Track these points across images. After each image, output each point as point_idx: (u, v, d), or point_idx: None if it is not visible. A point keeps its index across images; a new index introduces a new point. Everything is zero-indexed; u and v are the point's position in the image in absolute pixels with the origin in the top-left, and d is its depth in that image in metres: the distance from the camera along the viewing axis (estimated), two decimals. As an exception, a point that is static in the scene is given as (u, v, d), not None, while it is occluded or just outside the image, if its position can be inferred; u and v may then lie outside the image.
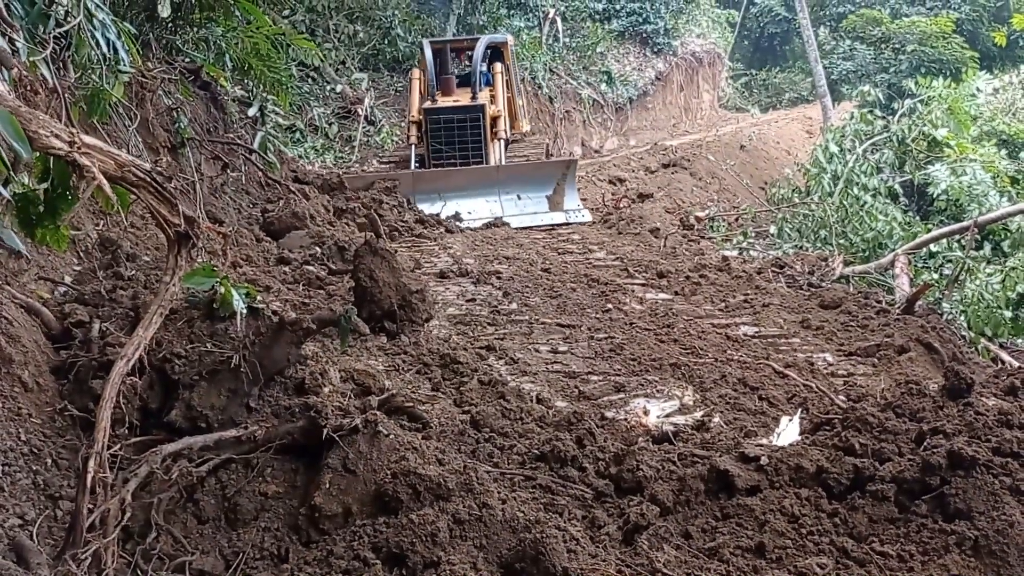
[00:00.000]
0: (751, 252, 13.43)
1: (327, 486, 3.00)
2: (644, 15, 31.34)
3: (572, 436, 3.56)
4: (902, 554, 2.72)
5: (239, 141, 10.40)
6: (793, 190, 17.62)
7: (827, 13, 30.74)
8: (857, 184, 15.29)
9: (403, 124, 17.46)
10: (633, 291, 8.74)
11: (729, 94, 40.39)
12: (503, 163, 13.66)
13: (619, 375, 5.41)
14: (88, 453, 2.70)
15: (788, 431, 3.74)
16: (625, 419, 4.21)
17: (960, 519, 2.77)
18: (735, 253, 13.07)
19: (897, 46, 24.37)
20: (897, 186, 16.41)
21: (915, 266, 12.04)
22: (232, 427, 3.25)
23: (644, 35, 31.54)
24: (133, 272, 4.50)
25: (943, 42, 23.68)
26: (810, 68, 27.44)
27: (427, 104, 13.75)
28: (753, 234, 15.31)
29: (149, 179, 2.77)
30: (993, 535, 2.64)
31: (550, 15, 27.87)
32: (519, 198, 12.76)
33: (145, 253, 5.26)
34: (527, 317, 7.24)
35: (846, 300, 8.35)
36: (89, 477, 2.65)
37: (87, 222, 5.54)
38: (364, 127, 18.72)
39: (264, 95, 11.92)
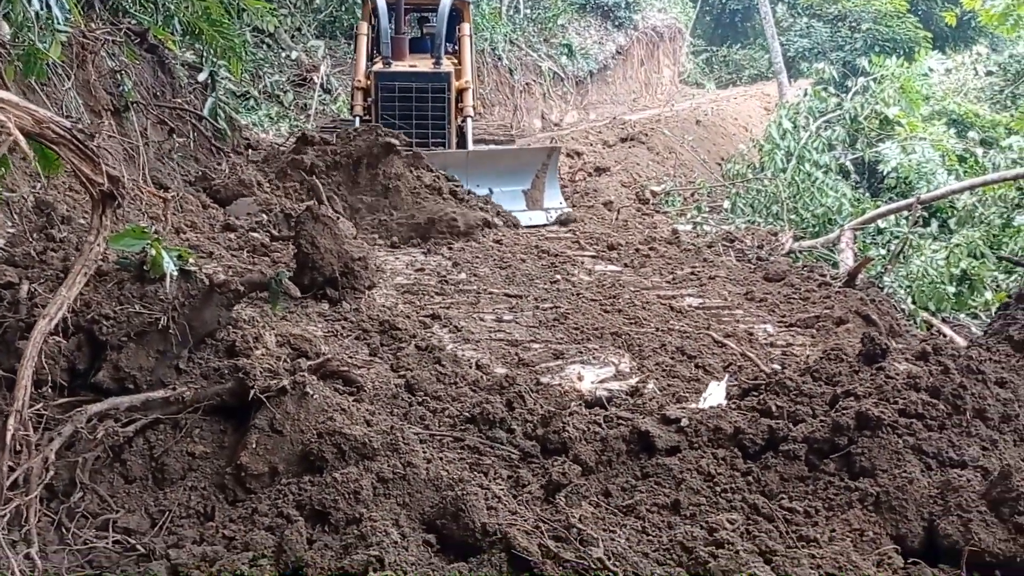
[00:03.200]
0: (704, 227, 13.55)
1: (254, 446, 3.03)
2: (605, -13, 31.22)
3: (502, 399, 3.62)
4: (808, 510, 2.82)
5: (187, 107, 10.23)
6: (748, 166, 17.82)
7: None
8: (809, 160, 15.49)
9: (361, 93, 16.59)
10: (583, 263, 8.83)
11: (689, 70, 40.46)
12: (471, 147, 11.45)
13: (560, 343, 5.48)
14: (8, 411, 2.69)
15: (714, 395, 3.83)
16: (559, 384, 4.27)
17: (864, 476, 2.87)
18: (689, 227, 13.19)
19: (853, 24, 24.61)
20: (848, 163, 16.65)
21: (863, 242, 12.29)
22: (161, 388, 3.25)
23: (605, 8, 31.44)
24: (66, 234, 4.45)
25: (897, 21, 23.95)
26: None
27: (378, 67, 11.28)
28: (707, 209, 15.44)
29: (69, 136, 2.74)
30: (893, 491, 2.75)
31: (512, -15, 27.58)
32: (491, 192, 10.49)
33: (82, 217, 5.19)
34: (475, 287, 7.28)
35: (789, 273, 8.51)
36: (9, 435, 2.65)
37: (23, 184, 5.46)
38: (320, 95, 18.47)
39: (215, 61, 11.68)
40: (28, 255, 4.12)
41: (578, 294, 7.33)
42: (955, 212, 14.15)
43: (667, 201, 15.99)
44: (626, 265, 8.99)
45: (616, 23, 31.61)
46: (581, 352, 5.15)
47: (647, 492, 2.95)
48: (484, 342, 5.49)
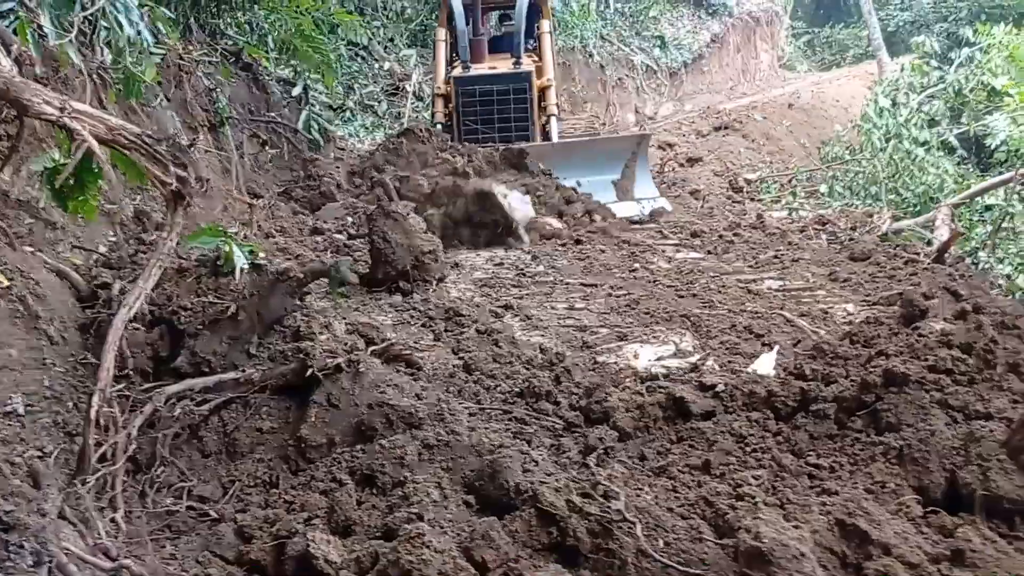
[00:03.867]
0: (800, 212, 13.31)
1: (312, 419, 3.29)
2: (698, -24, 30.84)
3: (551, 374, 3.79)
4: (833, 465, 2.88)
5: (280, 120, 10.77)
6: (846, 148, 17.37)
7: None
8: (908, 138, 14.98)
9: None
10: (664, 251, 8.85)
11: (789, 53, 39.49)
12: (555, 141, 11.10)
13: (627, 327, 5.58)
14: (92, 390, 3.02)
15: (763, 363, 3.89)
16: (615, 362, 4.40)
17: (890, 431, 2.91)
18: (784, 214, 13.00)
19: (957, -8, 23.68)
20: (952, 139, 16.03)
21: (970, 220, 11.84)
22: (232, 371, 3.55)
23: (698, -3, 31.10)
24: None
25: (1006, -14, 22.89)
26: (869, 22, 26.79)
27: (456, 72, 11.12)
28: (803, 194, 15.15)
29: (140, 141, 3.06)
30: (916, 444, 2.78)
31: (602, -20, 27.49)
32: (579, 184, 10.02)
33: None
34: (551, 278, 7.42)
35: (875, 252, 8.34)
36: (93, 411, 2.98)
37: (124, 197, 5.93)
38: (412, 103, 18.94)
39: (308, 75, 12.16)
40: (121, 258, 4.53)
41: (654, 281, 7.37)
42: (1067, 184, 13.48)
43: (763, 188, 15.76)
44: (709, 252, 8.95)
45: (710, 11, 31.22)
46: (645, 334, 5.25)
47: (680, 454, 3.07)
48: (552, 328, 5.64)
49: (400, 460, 2.99)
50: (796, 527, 2.34)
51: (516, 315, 5.91)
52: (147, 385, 3.60)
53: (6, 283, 3.72)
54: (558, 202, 9.38)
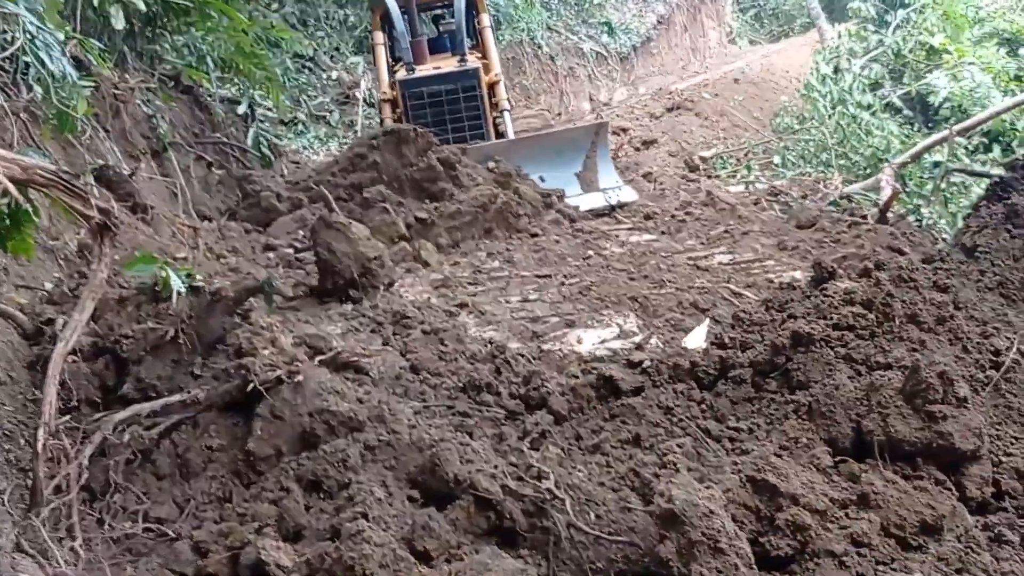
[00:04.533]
0: (756, 185, 13.52)
1: (258, 433, 3.38)
2: (637, -41, 30.94)
3: (491, 367, 3.91)
4: (751, 427, 3.02)
5: (226, 140, 10.80)
6: (796, 117, 17.60)
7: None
8: (852, 103, 15.24)
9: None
10: (617, 236, 9.00)
11: (736, 28, 39.75)
12: (511, 136, 10.92)
13: (576, 314, 5.72)
14: (38, 424, 3.10)
15: (694, 337, 4.03)
16: (559, 349, 4.53)
17: (801, 389, 3.06)
18: (741, 188, 13.20)
19: (890, -44, 23.94)
20: (896, 99, 16.32)
21: (920, 178, 12.08)
22: (178, 393, 3.64)
23: (640, -21, 31.21)
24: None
25: (935, -55, 23.17)
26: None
27: (401, 75, 10.92)
28: (758, 167, 15.36)
29: (57, 178, 3.14)
30: (823, 398, 2.92)
31: (542, -31, 27.49)
32: (542, 180, 9.86)
33: (116, 254, 5.66)
34: (507, 273, 7.54)
35: (820, 218, 8.56)
36: (40, 444, 3.06)
37: (67, 232, 5.98)
38: (364, 110, 18.96)
39: (252, 92, 12.15)
40: (64, 293, 4.59)
41: (607, 266, 7.51)
42: (1017, 134, 13.80)
43: (718, 165, 15.96)
44: (663, 232, 9.12)
45: (653, -8, 31.41)
46: (592, 319, 5.38)
47: (612, 431, 3.21)
48: (505, 322, 5.76)
49: (343, 463, 3.10)
50: (708, 487, 2.48)
51: (471, 312, 6.03)
52: (96, 415, 3.67)
53: (-52, 327, 3.79)
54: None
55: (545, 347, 4.60)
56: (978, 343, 3.17)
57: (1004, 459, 2.82)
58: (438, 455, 3.00)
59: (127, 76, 9.39)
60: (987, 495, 2.75)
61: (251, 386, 3.45)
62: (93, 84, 6.92)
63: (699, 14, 34.74)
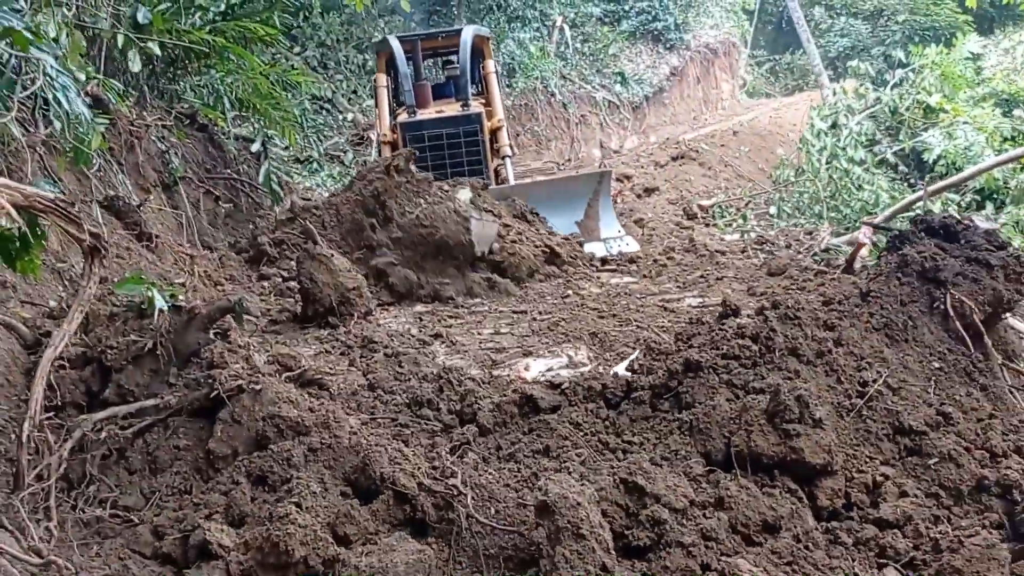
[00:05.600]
0: (751, 234, 13.93)
1: (219, 434, 3.83)
2: (653, 13, 31.60)
3: (435, 386, 4.33)
4: (643, 440, 3.42)
5: (236, 176, 11.37)
6: (796, 170, 18.07)
7: (822, -8, 31.05)
8: (844, 157, 15.71)
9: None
10: (598, 277, 9.42)
11: (749, 82, 40.38)
12: (512, 183, 10.80)
13: (536, 346, 6.13)
14: (23, 418, 3.56)
15: (623, 365, 4.44)
16: (507, 375, 4.95)
17: (686, 409, 3.46)
18: (736, 237, 13.62)
19: (890, 17, 24.59)
20: (890, 155, 16.78)
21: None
22: (153, 398, 4.09)
23: (655, 32, 31.84)
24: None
25: (935, 8, 23.80)
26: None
27: (403, 118, 10.91)
28: (753, 216, 15.79)
29: (54, 206, 3.62)
30: (702, 417, 3.33)
31: (558, 23, 28.21)
32: None
33: (115, 276, 6.16)
34: (486, 307, 7.97)
35: (790, 267, 8.95)
36: (24, 435, 3.51)
37: (74, 256, 6.48)
38: (377, 151, 19.54)
39: (265, 131, 12.70)
40: (64, 310, 5.07)
41: (582, 305, 7.91)
42: (1009, 192, 14.19)
43: (719, 214, 16.39)
44: (644, 276, 9.52)
45: (667, 45, 32.04)
46: (549, 350, 5.80)
47: (527, 442, 3.62)
48: (472, 351, 6.18)
49: (288, 461, 3.53)
50: (583, 486, 2.88)
51: (444, 342, 6.45)
52: (80, 417, 4.12)
53: (-46, 335, 4.27)
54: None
55: (496, 373, 5.02)
56: (850, 375, 3.57)
57: (856, 475, 3.21)
58: (369, 456, 3.43)
59: (145, 113, 9.98)
60: (838, 505, 3.13)
61: (215, 394, 3.89)
62: (108, 121, 7.47)
63: (712, 67, 35.36)
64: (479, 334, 6.90)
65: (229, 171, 11.48)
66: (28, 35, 5.14)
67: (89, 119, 6.17)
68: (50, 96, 5.81)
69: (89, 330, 4.49)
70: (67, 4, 7.47)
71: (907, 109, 17.93)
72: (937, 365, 3.68)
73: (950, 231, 4.12)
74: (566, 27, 28.62)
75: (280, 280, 7.57)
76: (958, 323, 3.77)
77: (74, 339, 4.49)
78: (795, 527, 2.94)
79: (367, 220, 8.05)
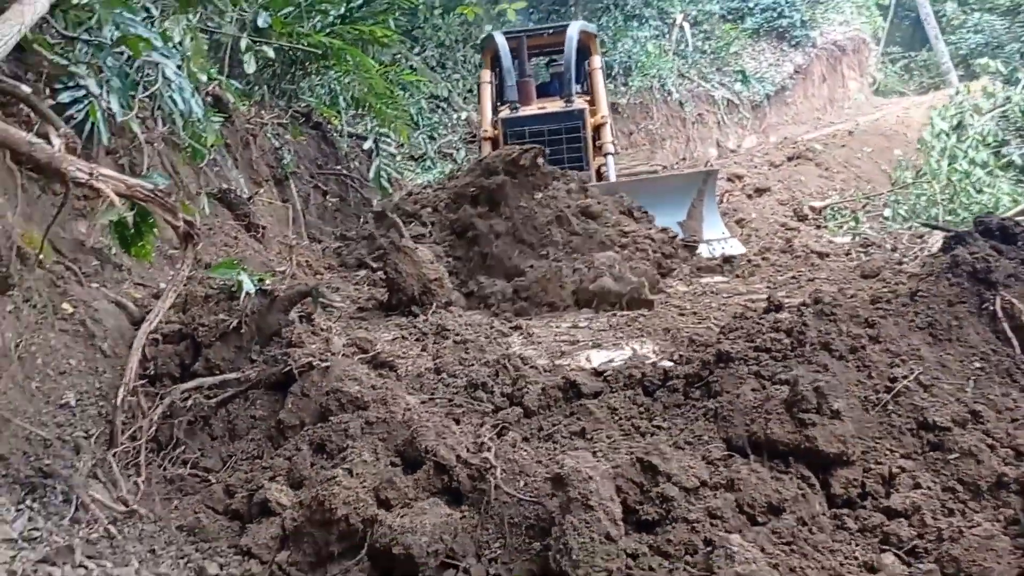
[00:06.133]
0: (861, 237, 13.66)
1: (289, 406, 4.19)
2: (779, 9, 30.91)
3: (492, 371, 4.59)
4: (671, 425, 3.57)
5: (346, 172, 11.94)
6: (916, 172, 17.52)
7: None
8: (965, 158, 15.16)
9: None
10: (687, 275, 9.45)
11: (879, 80, 38.93)
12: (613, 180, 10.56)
13: (607, 339, 6.29)
14: (119, 384, 4.01)
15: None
16: (568, 364, 5.15)
17: (714, 397, 3.59)
18: (847, 240, 13.38)
19: (1027, 12, 23.42)
20: (1017, 157, 16.06)
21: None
22: (235, 372, 4.50)
23: (780, 30, 31.15)
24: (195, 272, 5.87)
25: (1079, 3, 22.52)
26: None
27: (504, 113, 10.88)
28: (866, 219, 15.42)
29: (152, 195, 4.06)
30: (726, 405, 3.45)
31: (678, 21, 27.94)
32: None
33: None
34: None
35: (884, 268, 8.78)
36: (119, 399, 3.96)
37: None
38: (479, 148, 19.97)
39: (378, 129, 13.20)
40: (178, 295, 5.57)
41: (665, 302, 8.00)
42: None
43: (830, 216, 16.08)
44: (736, 276, 9.50)
45: (792, 43, 31.30)
46: (616, 343, 5.95)
47: (566, 424, 3.83)
48: (546, 344, 6.40)
49: (345, 432, 3.86)
50: (599, 461, 3.07)
51: (521, 334, 6.70)
52: (173, 387, 4.58)
53: (71, 310, 4.79)
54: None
55: (558, 362, 5.23)
56: (882, 371, 3.61)
57: (875, 466, 3.27)
58: (417, 431, 3.71)
59: (263, 112, 10.63)
60: (852, 494, 3.21)
61: (289, 369, 4.27)
62: (223, 119, 8.05)
63: (840, 65, 34.30)
64: (557, 327, 7.10)
65: (340, 167, 12.06)
66: (155, 41, 5.68)
67: (202, 118, 6.72)
68: (167, 97, 6.38)
69: (186, 309, 4.96)
70: (193, 11, 8.06)
71: (1039, 109, 17.09)
72: (978, 365, 3.68)
73: (1007, 233, 4.09)
74: (686, 25, 28.30)
75: (372, 271, 7.99)
76: (1006, 324, 3.76)
77: (173, 317, 4.98)
78: (800, 511, 3.04)
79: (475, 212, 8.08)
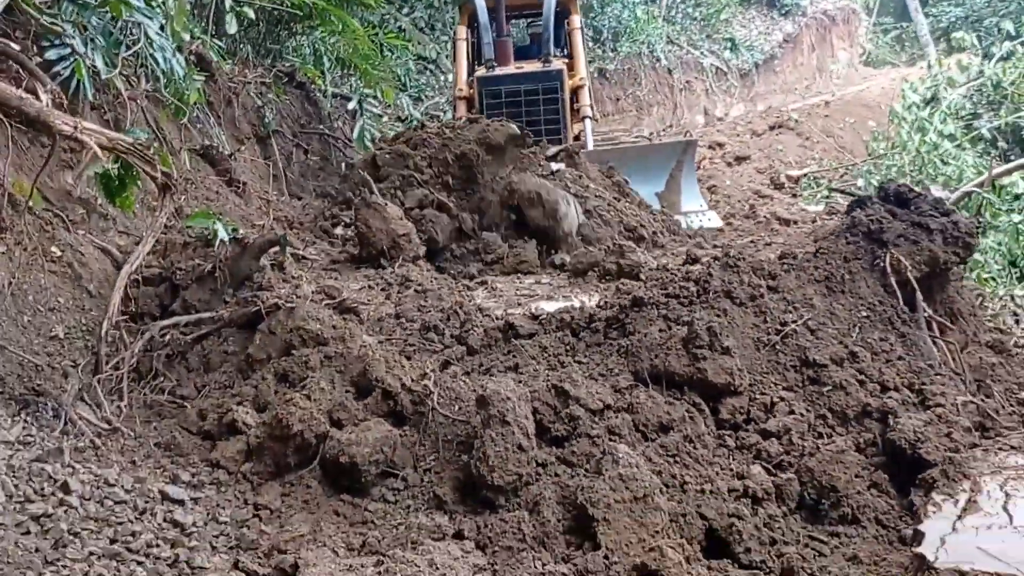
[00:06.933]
0: (835, 205, 14.10)
1: (257, 342, 4.67)
2: (771, -23, 30.97)
3: (444, 315, 5.07)
4: (588, 361, 4.07)
5: (328, 132, 12.30)
6: (891, 143, 17.91)
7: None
8: (934, 131, 15.55)
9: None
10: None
11: (869, 50, 39.04)
12: (590, 147, 10.19)
13: (559, 293, 6.76)
14: (97, 318, 4.48)
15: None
16: (520, 312, 5.62)
17: (627, 337, 4.07)
18: (820, 208, 13.84)
19: (1007, -14, 23.67)
20: (985, 131, 16.45)
21: (998, 209, 12.42)
22: (209, 311, 4.97)
23: (770, -2, 31.26)
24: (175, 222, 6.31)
25: (1056, -22, 22.78)
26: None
27: (480, 73, 10.58)
28: (839, 187, 15.85)
29: (133, 148, 4.49)
30: (636, 342, 3.93)
31: (668, -16, 27.81)
32: None
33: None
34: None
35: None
36: (103, 331, 4.42)
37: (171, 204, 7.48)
38: (452, 108, 20.22)
39: (362, 90, 13.44)
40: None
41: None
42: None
43: (806, 185, 16.49)
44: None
45: (783, 11, 31.44)
46: (565, 295, 6.43)
47: (502, 360, 4.31)
48: (506, 297, 6.87)
49: (306, 364, 4.34)
50: (519, 386, 3.55)
51: (486, 288, 7.17)
52: (152, 323, 5.04)
53: (59, 253, 5.24)
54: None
55: (511, 310, 5.69)
56: (776, 317, 4.10)
57: (759, 396, 3.77)
58: (369, 363, 4.19)
59: (246, 71, 10.96)
60: (739, 420, 3.71)
61: (258, 309, 4.73)
62: (204, 78, 8.41)
63: (829, 34, 34.44)
64: (520, 282, 7.56)
65: (323, 127, 12.40)
66: (136, 2, 6.03)
67: (182, 76, 7.10)
68: (149, 55, 6.76)
69: (166, 255, 5.41)
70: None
71: (1012, 83, 17.45)
72: (865, 314, 4.17)
73: (902, 198, 4.55)
74: (677, -9, 28.26)
75: (344, 226, 8.40)
76: (893, 279, 4.23)
77: (153, 262, 5.43)
78: (686, 430, 3.55)
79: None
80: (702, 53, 28.20)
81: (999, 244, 10.79)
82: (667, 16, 27.79)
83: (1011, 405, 4.14)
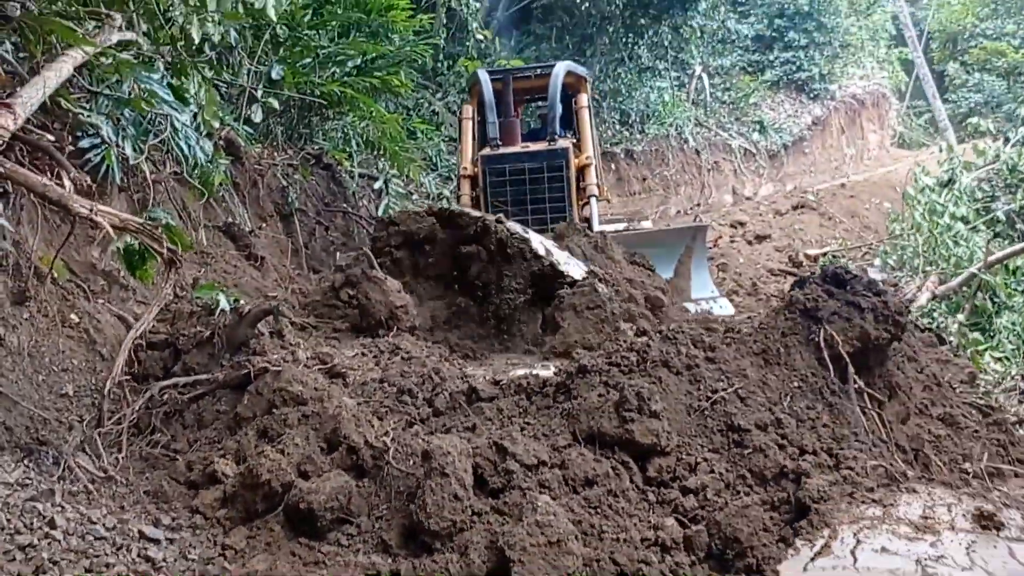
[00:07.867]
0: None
1: (245, 402, 5.11)
2: (798, 63, 31.65)
3: (419, 380, 5.49)
4: (536, 422, 4.45)
5: (350, 210, 12.95)
6: (910, 224, 18.17)
7: (959, 48, 30.43)
8: (947, 213, 15.83)
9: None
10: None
11: (901, 132, 39.37)
12: (598, 229, 9.92)
13: (536, 363, 7.13)
14: (106, 378, 4.96)
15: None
16: (488, 377, 6.01)
17: (572, 400, 4.44)
18: (836, 286, 14.06)
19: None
20: (1000, 214, 16.68)
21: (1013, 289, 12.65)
22: (206, 374, 5.44)
23: (799, 82, 31.89)
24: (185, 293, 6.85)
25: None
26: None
27: (486, 151, 10.57)
28: (855, 268, 16.12)
29: (142, 227, 5.04)
30: (576, 406, 4.30)
31: (697, 72, 28.70)
32: None
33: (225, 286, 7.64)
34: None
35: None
36: (106, 389, 4.90)
37: (188, 269, 8.06)
38: (456, 186, 20.91)
39: (388, 170, 14.14)
40: (164, 308, 6.55)
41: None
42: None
43: (823, 264, 16.79)
44: (691, 314, 10.29)
45: (811, 95, 32.08)
46: (541, 365, 6.81)
47: (462, 420, 4.71)
48: (488, 365, 7.27)
49: (284, 421, 4.77)
50: (464, 442, 3.94)
51: (474, 360, 7.58)
52: (156, 384, 5.52)
53: (76, 320, 5.78)
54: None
55: (485, 375, 6.10)
56: (709, 384, 4.44)
57: (685, 457, 4.10)
58: (340, 422, 4.61)
59: (275, 154, 11.69)
60: (665, 477, 4.04)
61: (248, 372, 5.19)
62: (230, 160, 9.09)
63: (859, 117, 34.94)
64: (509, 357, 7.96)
65: (346, 205, 13.06)
66: (165, 95, 6.66)
67: (205, 162, 7.75)
68: (174, 143, 7.41)
69: (174, 323, 5.93)
70: (207, 66, 9.11)
71: (1028, 166, 17.72)
72: (796, 384, 4.50)
73: (839, 279, 4.91)
74: (704, 76, 29.04)
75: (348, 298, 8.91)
76: (826, 353, 4.57)
77: (161, 329, 5.95)
78: (610, 484, 3.89)
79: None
80: (731, 135, 28.77)
81: (1013, 324, 11.02)
82: (696, 100, 28.46)
83: (951, 473, 4.41)
